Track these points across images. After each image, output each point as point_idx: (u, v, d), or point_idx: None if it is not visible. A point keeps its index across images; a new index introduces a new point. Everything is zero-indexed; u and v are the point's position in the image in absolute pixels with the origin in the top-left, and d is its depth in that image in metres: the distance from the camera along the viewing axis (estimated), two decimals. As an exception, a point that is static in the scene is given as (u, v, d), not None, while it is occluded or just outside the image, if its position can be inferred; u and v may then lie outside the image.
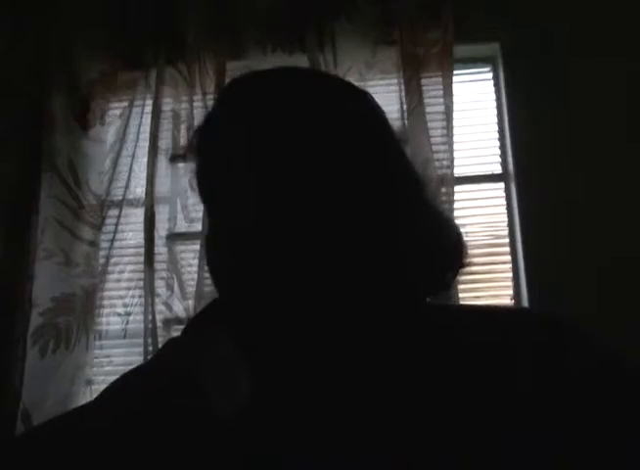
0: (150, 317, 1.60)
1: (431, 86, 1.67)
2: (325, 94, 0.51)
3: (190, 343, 0.47)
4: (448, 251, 0.52)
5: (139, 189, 1.72)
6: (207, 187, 0.53)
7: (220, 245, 0.50)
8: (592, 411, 0.43)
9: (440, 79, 1.65)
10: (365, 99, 0.55)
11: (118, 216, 1.70)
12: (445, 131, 1.62)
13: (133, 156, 1.73)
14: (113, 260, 1.71)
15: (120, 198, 1.72)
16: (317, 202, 0.47)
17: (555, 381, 0.44)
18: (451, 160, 1.60)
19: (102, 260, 1.70)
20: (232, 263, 0.48)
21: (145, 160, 1.71)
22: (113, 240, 1.69)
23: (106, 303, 1.70)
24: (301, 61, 1.67)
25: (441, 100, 1.64)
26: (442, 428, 0.43)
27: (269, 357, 0.48)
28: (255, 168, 0.48)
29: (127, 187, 1.72)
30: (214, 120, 0.53)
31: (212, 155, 0.52)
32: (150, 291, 1.62)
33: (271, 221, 0.47)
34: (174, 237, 1.71)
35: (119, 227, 1.70)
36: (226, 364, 0.44)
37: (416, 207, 0.52)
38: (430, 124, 1.62)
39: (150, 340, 1.57)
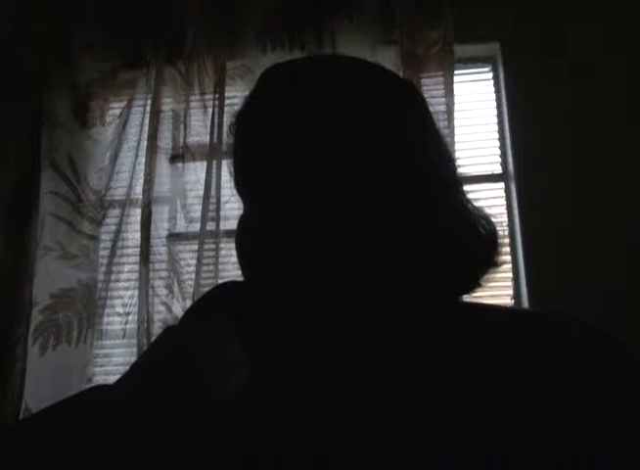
0: (145, 316, 1.60)
1: (431, 86, 1.67)
2: (367, 89, 0.50)
3: (188, 331, 0.47)
4: (479, 249, 0.51)
5: (138, 188, 1.72)
6: (243, 177, 0.52)
7: (250, 234, 0.49)
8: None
9: (441, 79, 1.65)
10: (409, 92, 0.54)
11: (121, 216, 1.70)
12: (446, 131, 1.62)
13: (135, 155, 1.73)
14: (113, 260, 1.71)
15: (124, 197, 1.72)
16: (346, 198, 0.46)
17: (587, 387, 0.42)
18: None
19: (105, 260, 1.70)
20: (258, 254, 0.48)
21: (144, 159, 1.71)
22: (115, 239, 1.69)
23: (106, 302, 1.70)
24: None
25: (442, 100, 1.64)
26: (447, 430, 0.43)
27: (270, 345, 0.48)
28: (289, 164, 0.48)
29: (130, 186, 1.72)
30: (252, 111, 0.52)
31: (248, 146, 0.51)
32: (145, 289, 1.62)
33: (299, 216, 0.47)
34: (174, 237, 1.71)
35: (122, 227, 1.70)
36: (225, 350, 0.44)
37: (448, 203, 0.51)
38: (430, 124, 1.62)
39: (145, 339, 1.57)
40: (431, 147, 0.52)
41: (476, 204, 0.53)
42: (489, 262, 0.52)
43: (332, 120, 0.48)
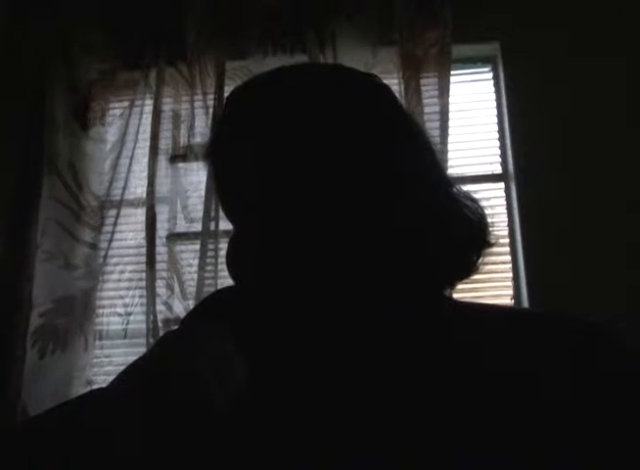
0: (151, 317, 1.60)
1: (430, 86, 1.67)
2: (336, 93, 0.51)
3: (186, 335, 0.47)
4: (469, 230, 0.51)
5: (139, 189, 1.72)
6: (222, 192, 0.54)
7: (239, 245, 0.51)
8: (623, 414, 0.42)
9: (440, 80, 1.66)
10: (379, 92, 0.55)
11: (117, 216, 1.70)
12: (443, 131, 1.62)
13: (133, 156, 1.73)
14: (113, 261, 1.71)
15: (119, 198, 1.72)
16: (328, 196, 0.47)
17: (588, 386, 0.43)
18: (444, 161, 1.60)
19: (100, 260, 1.70)
20: (248, 263, 0.49)
21: (145, 160, 1.72)
22: (110, 240, 1.69)
23: (106, 303, 1.70)
24: (302, 61, 1.67)
25: (441, 100, 1.64)
26: (446, 430, 0.43)
27: (266, 349, 0.48)
28: (264, 174, 0.49)
29: (126, 187, 1.72)
30: (224, 127, 0.54)
31: (222, 162, 0.53)
32: (151, 291, 1.62)
33: (282, 222, 0.48)
34: (174, 237, 1.71)
35: (118, 227, 1.70)
36: (222, 355, 0.45)
37: (433, 189, 0.51)
38: (429, 124, 1.62)
39: (151, 340, 1.57)
40: (406, 143, 0.52)
41: (461, 190, 0.53)
42: (483, 243, 0.51)
43: (302, 128, 0.49)
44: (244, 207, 0.51)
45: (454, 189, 0.52)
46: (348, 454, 0.44)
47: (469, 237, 0.51)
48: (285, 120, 0.49)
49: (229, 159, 0.52)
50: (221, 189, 0.54)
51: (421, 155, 0.52)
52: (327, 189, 0.47)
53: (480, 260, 0.51)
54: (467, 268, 0.51)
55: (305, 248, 0.47)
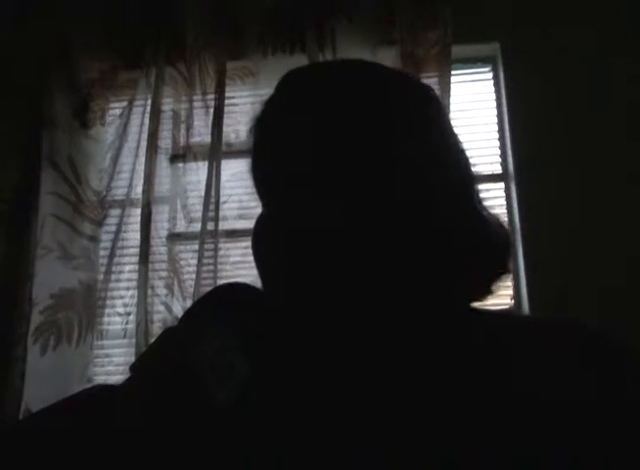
0: (143, 315, 1.60)
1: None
2: (379, 93, 0.51)
3: (185, 332, 0.47)
4: (493, 256, 0.51)
5: (139, 188, 1.72)
6: (261, 179, 0.53)
7: (270, 237, 0.50)
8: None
9: (440, 80, 1.65)
10: (426, 94, 0.55)
11: (121, 216, 1.71)
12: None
13: (136, 155, 1.73)
14: (114, 260, 1.71)
15: (123, 197, 1.72)
16: (373, 198, 0.47)
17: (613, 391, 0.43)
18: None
19: (104, 260, 1.70)
20: (275, 256, 0.49)
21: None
22: (115, 239, 1.69)
23: (107, 302, 1.70)
24: (302, 61, 1.67)
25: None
26: (452, 431, 0.43)
27: (269, 346, 0.48)
28: (318, 164, 0.48)
29: (130, 186, 1.72)
30: (276, 112, 0.53)
31: (273, 147, 0.52)
32: (144, 289, 1.62)
33: (329, 215, 0.47)
34: (174, 237, 1.71)
35: (122, 227, 1.70)
36: (223, 352, 0.45)
37: (462, 208, 0.51)
38: (429, 124, 1.62)
39: (144, 339, 1.57)
40: (449, 147, 0.53)
41: (488, 208, 0.53)
42: (504, 269, 0.52)
43: (357, 121, 0.48)
44: (293, 177, 0.49)
45: (485, 211, 0.52)
46: (348, 455, 0.44)
47: (493, 262, 0.51)
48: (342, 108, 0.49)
49: (284, 131, 0.51)
50: (263, 161, 0.53)
51: (461, 171, 0.53)
52: (368, 201, 0.47)
53: (497, 285, 0.51)
54: (485, 293, 0.51)
55: (344, 245, 0.46)
